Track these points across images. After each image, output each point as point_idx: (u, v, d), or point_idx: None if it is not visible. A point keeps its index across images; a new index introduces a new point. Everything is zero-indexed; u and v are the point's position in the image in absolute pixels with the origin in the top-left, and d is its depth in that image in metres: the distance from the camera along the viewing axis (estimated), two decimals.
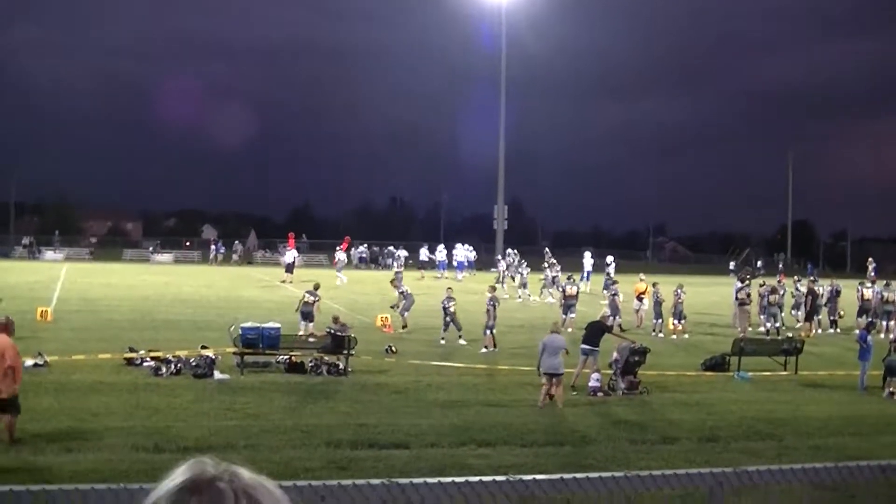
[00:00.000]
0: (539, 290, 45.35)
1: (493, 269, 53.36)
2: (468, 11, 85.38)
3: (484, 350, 27.13)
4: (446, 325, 28.94)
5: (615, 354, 21.71)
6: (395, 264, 54.26)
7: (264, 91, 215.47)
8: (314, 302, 28.84)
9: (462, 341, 28.48)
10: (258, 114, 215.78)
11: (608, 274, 47.44)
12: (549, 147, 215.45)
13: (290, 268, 53.28)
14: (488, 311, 27.84)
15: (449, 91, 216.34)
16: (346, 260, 56.55)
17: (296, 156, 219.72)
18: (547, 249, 59.41)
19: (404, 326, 31.26)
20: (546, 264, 48.13)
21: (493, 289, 29.85)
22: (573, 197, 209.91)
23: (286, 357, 22.89)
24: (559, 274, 44.34)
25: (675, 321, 33.05)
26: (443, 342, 28.44)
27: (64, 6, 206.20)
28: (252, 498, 1.61)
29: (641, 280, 35.96)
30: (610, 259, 53.02)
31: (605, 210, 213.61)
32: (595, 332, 21.95)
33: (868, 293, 36.62)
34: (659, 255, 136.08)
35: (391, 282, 33.09)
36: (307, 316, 28.58)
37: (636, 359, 21.66)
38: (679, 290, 33.26)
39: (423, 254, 63.68)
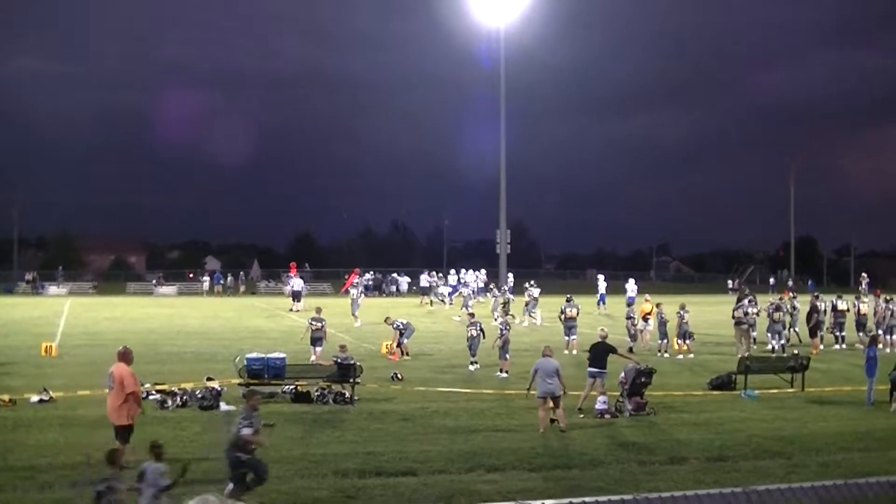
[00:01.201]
0: (494, 311, 46.07)
1: (486, 296, 52.77)
2: (466, 34, 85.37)
3: (504, 375, 27.14)
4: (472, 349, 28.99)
5: (622, 376, 21.71)
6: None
7: (264, 119, 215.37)
8: (322, 326, 29.06)
9: (472, 367, 28.53)
10: (259, 143, 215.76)
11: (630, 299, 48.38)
12: (550, 168, 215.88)
13: (297, 296, 53.55)
14: (502, 334, 27.92)
15: (449, 115, 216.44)
16: (361, 293, 54.18)
17: (297, 184, 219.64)
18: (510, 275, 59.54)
19: (406, 354, 31.24)
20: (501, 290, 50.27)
21: (506, 312, 30.02)
22: (576, 218, 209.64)
23: (292, 387, 22.85)
24: (508, 296, 47.51)
25: (680, 341, 33.03)
26: (474, 367, 28.59)
27: (64, 38, 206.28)
28: None
29: (647, 301, 35.95)
30: (631, 283, 53.13)
31: (609, 230, 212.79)
32: (600, 353, 21.91)
33: (864, 308, 36.80)
34: (663, 274, 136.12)
35: (385, 321, 33.03)
36: (317, 341, 28.83)
37: (643, 380, 21.66)
38: (682, 311, 33.23)
39: (424, 280, 63.61)
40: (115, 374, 15.59)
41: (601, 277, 56.50)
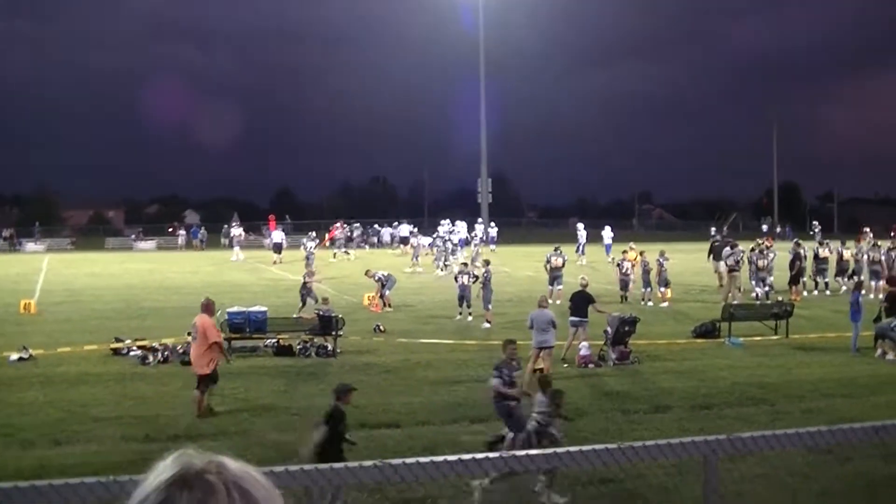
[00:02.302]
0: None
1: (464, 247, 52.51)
2: None
3: (487, 325, 27.22)
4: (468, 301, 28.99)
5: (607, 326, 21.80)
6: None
7: (243, 77, 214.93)
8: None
9: (466, 317, 28.68)
10: (237, 100, 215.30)
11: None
12: (531, 120, 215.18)
13: (278, 248, 53.71)
14: (485, 285, 28.06)
15: (428, 69, 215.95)
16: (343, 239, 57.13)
17: (277, 140, 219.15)
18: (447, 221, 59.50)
19: (389, 306, 31.28)
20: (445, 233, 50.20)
21: (488, 262, 29.99)
22: (557, 169, 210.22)
23: (274, 340, 22.87)
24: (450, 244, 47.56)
25: (661, 288, 33.17)
26: (470, 318, 28.62)
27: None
28: (242, 489, 1.59)
29: (631, 248, 35.94)
30: (607, 231, 53.29)
31: (590, 181, 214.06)
32: (581, 302, 22.01)
33: (846, 254, 36.89)
34: (645, 222, 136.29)
35: (366, 273, 32.98)
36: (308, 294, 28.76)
37: (626, 328, 21.75)
38: (661, 258, 33.32)
39: (405, 229, 63.40)
40: (198, 324, 16.34)
41: (581, 226, 56.34)
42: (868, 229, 49.43)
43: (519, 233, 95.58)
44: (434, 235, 52.95)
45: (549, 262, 33.85)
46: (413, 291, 36.89)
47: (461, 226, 60.62)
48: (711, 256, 38.93)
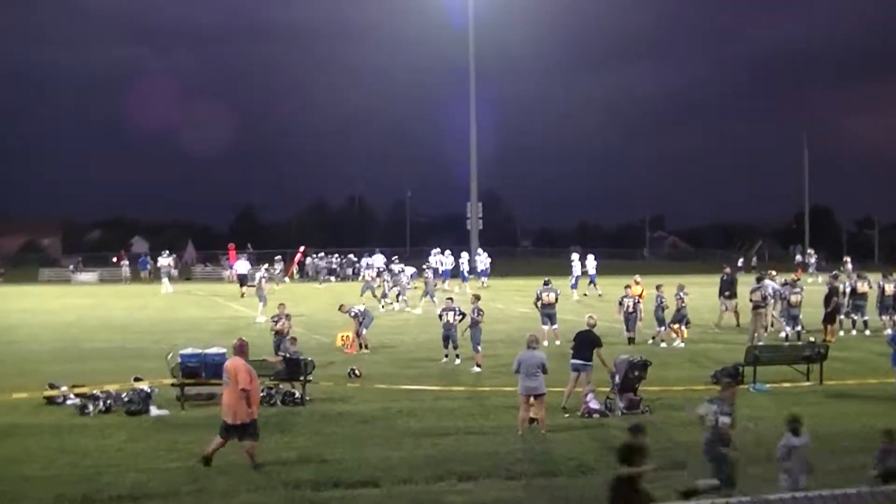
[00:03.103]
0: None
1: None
2: None
3: (477, 369, 27.22)
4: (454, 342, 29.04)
5: (613, 369, 21.74)
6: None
7: (201, 81, 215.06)
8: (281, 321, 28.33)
9: (453, 360, 28.70)
10: (194, 107, 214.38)
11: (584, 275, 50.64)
12: (526, 133, 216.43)
13: (243, 280, 53.75)
14: (474, 323, 28.02)
15: (413, 74, 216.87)
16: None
17: (240, 154, 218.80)
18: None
19: (365, 347, 31.23)
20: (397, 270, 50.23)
21: (477, 298, 29.83)
22: (556, 189, 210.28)
23: None
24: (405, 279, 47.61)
25: (676, 325, 33.14)
26: (458, 360, 28.73)
27: None
28: None
29: (637, 283, 35.82)
30: (590, 260, 53.57)
31: (594, 200, 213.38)
32: (585, 343, 21.87)
33: (889, 288, 36.62)
34: (658, 252, 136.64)
35: (339, 309, 32.94)
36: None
37: (636, 373, 21.69)
38: (681, 293, 33.35)
39: (380, 260, 63.16)
40: (229, 368, 16.46)
41: (575, 256, 56.09)
42: None
43: (513, 263, 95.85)
44: (425, 265, 52.97)
45: (539, 298, 33.64)
46: (393, 330, 36.85)
47: (447, 256, 60.81)
48: (722, 294, 38.91)
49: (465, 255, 61.87)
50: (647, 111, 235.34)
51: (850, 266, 55.21)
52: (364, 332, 31.55)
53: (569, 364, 21.87)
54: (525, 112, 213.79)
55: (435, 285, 48.97)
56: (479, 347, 27.90)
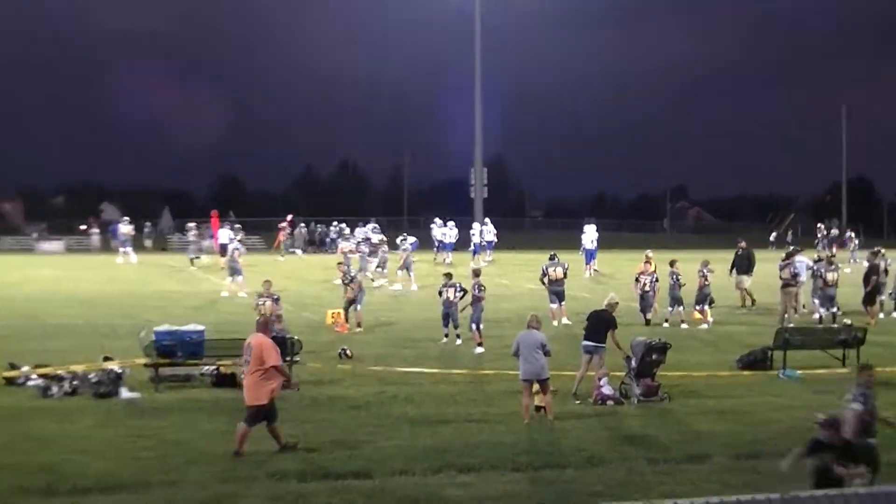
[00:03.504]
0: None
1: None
2: None
3: (479, 350, 27.33)
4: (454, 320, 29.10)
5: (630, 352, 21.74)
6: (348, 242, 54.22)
7: (181, 37, 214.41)
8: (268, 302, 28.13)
9: (453, 340, 28.75)
10: (172, 64, 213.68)
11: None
12: (538, 95, 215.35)
13: (225, 250, 53.51)
14: (476, 300, 28.08)
15: (410, 28, 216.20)
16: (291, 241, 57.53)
17: (221, 115, 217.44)
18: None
19: (358, 325, 31.26)
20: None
21: (477, 273, 29.79)
22: (572, 157, 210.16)
23: (213, 367, 22.76)
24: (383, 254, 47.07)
25: (700, 307, 33.13)
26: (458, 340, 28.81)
27: None
28: None
29: (648, 259, 35.42)
30: (591, 230, 53.36)
31: (611, 171, 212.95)
32: (599, 324, 21.84)
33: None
34: (679, 224, 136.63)
35: (338, 265, 33.04)
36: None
37: (654, 357, 21.65)
38: (704, 270, 33.30)
39: (365, 232, 62.78)
40: (252, 344, 16.65)
41: (588, 229, 55.18)
42: None
43: (521, 236, 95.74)
44: (400, 238, 52.96)
45: (545, 274, 33.51)
46: (388, 308, 36.87)
47: (450, 227, 60.55)
48: (734, 270, 38.86)
49: (476, 226, 61.49)
50: (672, 76, 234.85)
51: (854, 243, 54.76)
52: (359, 307, 31.54)
53: (580, 346, 21.88)
54: (538, 72, 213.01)
55: (438, 259, 48.90)
56: (481, 326, 27.93)
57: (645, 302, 33.20)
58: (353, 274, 32.37)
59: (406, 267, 44.73)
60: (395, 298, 40.51)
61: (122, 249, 60.64)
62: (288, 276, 48.06)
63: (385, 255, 47.25)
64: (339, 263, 33.49)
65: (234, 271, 41.32)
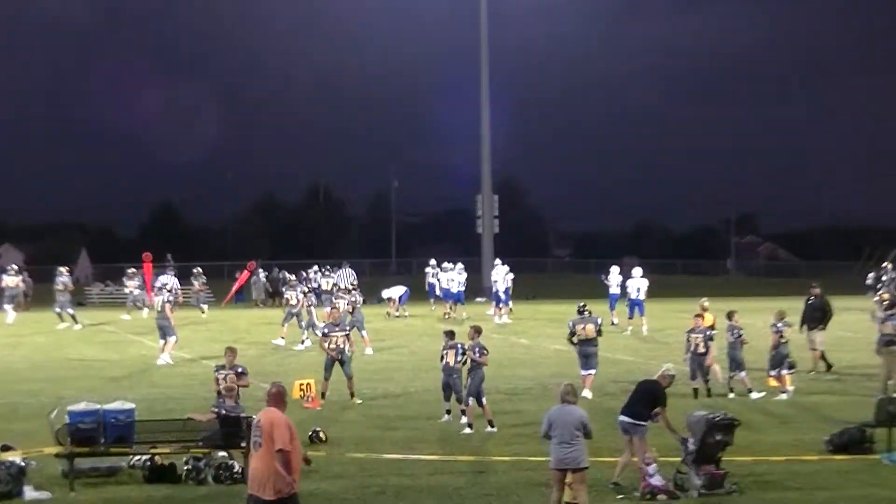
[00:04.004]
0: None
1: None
2: None
3: (491, 429, 27.21)
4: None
5: (687, 432, 21.64)
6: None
7: (104, 28, 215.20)
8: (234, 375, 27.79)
9: (450, 418, 28.55)
10: (90, 64, 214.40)
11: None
12: (559, 103, 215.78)
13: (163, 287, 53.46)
14: (476, 365, 27.84)
15: (400, 21, 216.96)
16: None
17: (154, 130, 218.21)
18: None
19: (351, 395, 31.20)
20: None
21: (478, 331, 29.46)
22: (603, 177, 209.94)
23: (146, 457, 22.64)
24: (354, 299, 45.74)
25: (776, 372, 32.94)
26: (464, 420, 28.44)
27: None
28: None
29: (704, 309, 35.22)
30: (614, 273, 53.30)
31: (655, 195, 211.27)
32: (644, 398, 21.67)
33: None
34: (746, 263, 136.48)
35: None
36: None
37: (718, 437, 21.55)
38: (779, 325, 33.02)
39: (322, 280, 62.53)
40: (263, 423, 16.48)
41: (614, 270, 55.36)
42: None
43: (543, 281, 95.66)
44: (326, 281, 52.99)
45: (573, 331, 33.19)
46: (373, 375, 36.73)
47: (456, 270, 59.98)
48: (804, 325, 38.45)
49: (500, 268, 60.48)
50: (724, 71, 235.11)
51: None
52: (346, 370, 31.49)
53: (617, 422, 21.74)
54: (557, 73, 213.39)
55: (449, 311, 48.48)
56: (483, 399, 27.66)
57: (696, 365, 32.82)
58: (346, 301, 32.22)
59: (311, 323, 45.03)
60: (386, 365, 40.32)
61: (6, 307, 59.94)
62: (242, 334, 48.01)
63: (353, 307, 45.66)
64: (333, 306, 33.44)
65: (164, 330, 40.97)
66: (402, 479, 22.29)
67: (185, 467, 22.36)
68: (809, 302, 38.81)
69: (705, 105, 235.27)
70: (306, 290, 51.10)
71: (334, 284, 52.28)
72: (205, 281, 67.67)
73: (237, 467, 22.29)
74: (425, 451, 25.01)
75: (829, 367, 37.52)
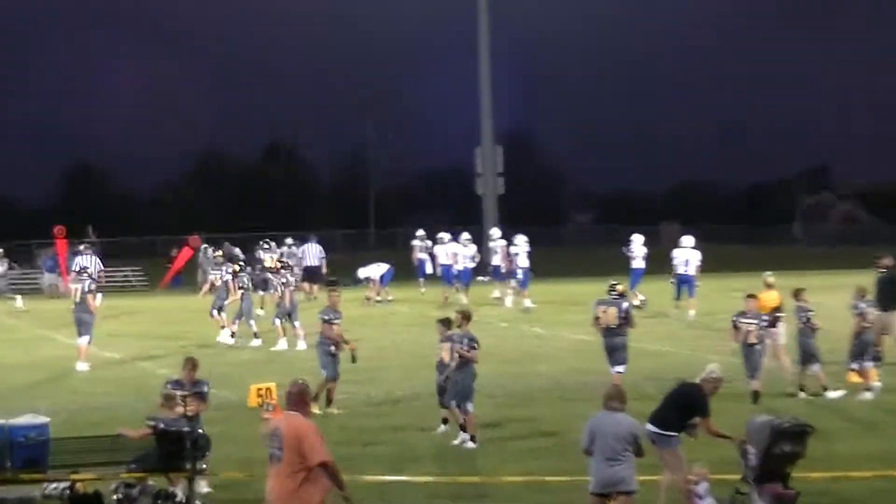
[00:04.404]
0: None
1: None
2: None
3: (470, 444, 27.19)
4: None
5: (746, 443, 21.62)
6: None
7: None
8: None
9: (447, 428, 28.49)
10: None
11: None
12: (581, 34, 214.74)
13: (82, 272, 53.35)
14: (463, 362, 27.68)
15: None
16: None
17: (66, 77, 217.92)
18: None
19: (329, 401, 31.31)
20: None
21: (467, 317, 29.28)
22: (637, 125, 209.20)
23: (64, 484, 22.65)
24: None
25: (856, 364, 32.90)
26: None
27: None
28: None
29: (768, 286, 35.07)
30: (637, 242, 53.45)
31: (704, 147, 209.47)
32: (677, 404, 21.66)
33: None
34: (817, 228, 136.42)
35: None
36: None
37: (786, 448, 21.49)
38: (859, 304, 32.93)
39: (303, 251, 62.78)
40: (283, 432, 16.38)
41: (638, 239, 55.28)
42: None
43: (561, 255, 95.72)
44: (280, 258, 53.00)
45: (597, 316, 33.01)
46: (350, 375, 36.64)
47: (463, 242, 59.69)
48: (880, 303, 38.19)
49: (520, 239, 60.06)
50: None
51: None
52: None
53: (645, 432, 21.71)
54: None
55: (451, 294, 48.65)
56: (470, 406, 27.51)
57: (750, 362, 32.46)
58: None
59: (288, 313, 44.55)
60: (367, 364, 40.14)
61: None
62: (182, 327, 48.05)
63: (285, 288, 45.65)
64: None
65: (82, 324, 40.74)
66: None
67: (114, 496, 22.34)
68: (881, 276, 38.54)
69: (765, 33, 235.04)
70: (237, 268, 50.68)
71: (279, 261, 51.77)
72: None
73: (179, 495, 22.31)
74: (417, 471, 25.07)
75: None
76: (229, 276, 47.24)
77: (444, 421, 28.68)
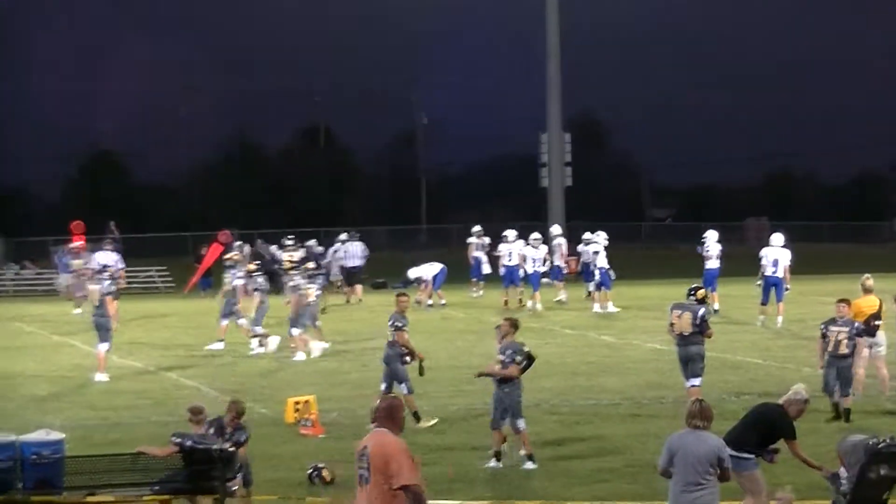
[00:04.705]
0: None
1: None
2: None
3: (529, 465, 27.17)
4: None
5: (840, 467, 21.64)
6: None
7: None
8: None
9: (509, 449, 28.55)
10: None
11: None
12: (661, 10, 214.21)
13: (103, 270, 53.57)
14: (507, 377, 27.69)
15: None
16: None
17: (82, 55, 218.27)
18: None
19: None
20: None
21: (514, 325, 29.30)
22: (720, 111, 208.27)
23: None
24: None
25: None
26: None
27: None
28: None
29: (867, 290, 34.81)
30: (712, 240, 53.25)
31: (797, 135, 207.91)
32: (757, 424, 21.74)
33: None
34: None
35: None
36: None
37: (883, 472, 21.50)
38: None
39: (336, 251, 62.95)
40: (371, 450, 16.30)
41: (712, 236, 55.20)
42: None
43: (636, 254, 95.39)
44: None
45: (671, 322, 32.83)
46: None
47: (535, 243, 59.51)
48: None
49: (600, 236, 59.77)
50: None
51: None
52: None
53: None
54: None
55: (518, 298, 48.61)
56: (521, 423, 27.51)
57: (840, 374, 31.74)
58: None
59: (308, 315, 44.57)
60: (414, 374, 40.18)
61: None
62: (212, 333, 48.25)
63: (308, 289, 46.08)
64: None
65: (101, 329, 40.95)
66: None
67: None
68: None
69: (869, 9, 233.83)
70: (252, 268, 50.44)
71: (289, 260, 51.52)
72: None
73: None
74: (469, 494, 25.20)
75: None
76: (241, 279, 47.34)
77: (497, 456, 28.59)
